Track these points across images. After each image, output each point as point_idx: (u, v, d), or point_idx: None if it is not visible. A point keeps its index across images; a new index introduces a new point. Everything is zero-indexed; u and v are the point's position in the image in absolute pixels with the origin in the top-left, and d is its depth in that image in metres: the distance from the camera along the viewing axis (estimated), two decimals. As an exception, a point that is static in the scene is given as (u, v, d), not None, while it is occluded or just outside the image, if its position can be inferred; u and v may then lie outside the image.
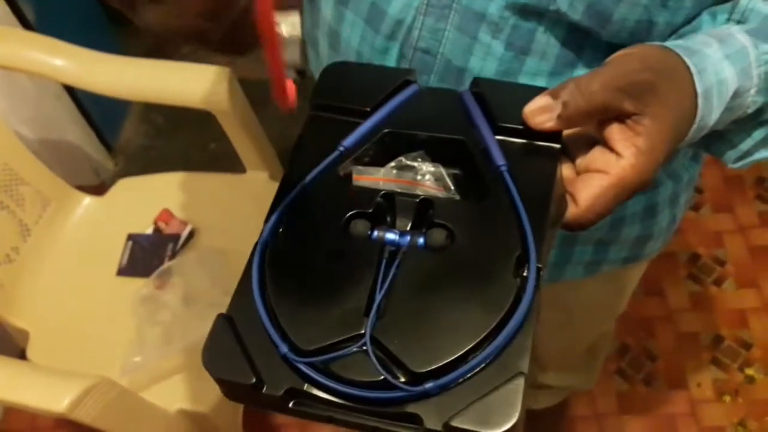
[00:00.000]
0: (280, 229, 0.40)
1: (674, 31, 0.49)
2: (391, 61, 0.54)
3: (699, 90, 0.43)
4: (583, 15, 0.47)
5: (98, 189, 1.41)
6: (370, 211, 0.40)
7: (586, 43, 0.50)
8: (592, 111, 0.41)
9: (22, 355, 1.09)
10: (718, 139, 0.51)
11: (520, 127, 0.42)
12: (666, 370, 1.43)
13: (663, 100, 0.41)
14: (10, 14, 1.39)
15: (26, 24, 1.43)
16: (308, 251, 0.39)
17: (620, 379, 1.42)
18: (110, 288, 1.13)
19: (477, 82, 0.45)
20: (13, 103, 1.46)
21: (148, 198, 1.22)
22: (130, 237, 1.18)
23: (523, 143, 0.42)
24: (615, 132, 0.41)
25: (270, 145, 1.22)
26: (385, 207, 0.41)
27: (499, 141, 0.42)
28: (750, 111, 0.47)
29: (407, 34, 0.52)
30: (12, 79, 1.41)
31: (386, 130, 0.43)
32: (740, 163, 0.52)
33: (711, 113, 0.44)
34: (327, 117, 0.45)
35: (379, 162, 0.44)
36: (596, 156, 0.42)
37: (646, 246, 0.71)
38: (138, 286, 1.09)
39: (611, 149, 0.41)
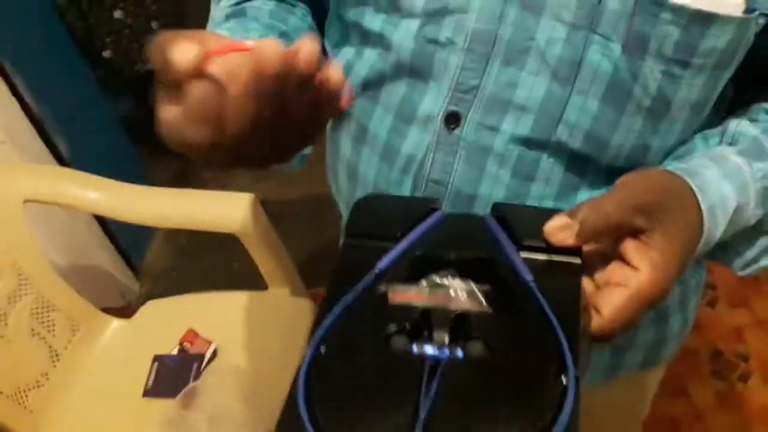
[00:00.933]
0: (323, 348, 0.41)
1: (668, 153, 0.54)
2: (405, 192, 0.58)
3: (704, 207, 0.47)
4: (582, 143, 0.52)
5: (124, 310, 1.45)
6: (409, 327, 0.42)
7: (588, 167, 0.54)
8: (607, 228, 0.44)
9: (49, 482, 1.10)
10: (724, 249, 0.55)
11: (542, 245, 0.45)
12: (700, 474, 1.39)
13: (672, 217, 0.45)
14: (45, 150, 1.49)
15: (60, 158, 1.53)
16: (351, 368, 0.41)
17: (653, 485, 1.38)
18: (137, 409, 1.14)
19: (497, 207, 0.49)
20: (46, 231, 1.53)
21: (174, 319, 1.26)
22: (156, 358, 1.21)
23: (546, 260, 0.45)
24: (630, 248, 0.44)
25: (291, 263, 1.26)
26: (422, 323, 0.42)
27: (524, 258, 0.45)
28: (752, 223, 0.51)
29: (419, 168, 0.56)
30: (45, 208, 1.49)
31: (417, 252, 0.46)
32: (748, 270, 0.55)
33: (717, 228, 0.48)
34: (360, 244, 0.48)
35: (412, 283, 0.46)
36: (614, 270, 0.45)
37: (661, 349, 0.73)
38: (164, 406, 1.10)
39: (628, 263, 0.44)
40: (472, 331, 0.41)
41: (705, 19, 0.46)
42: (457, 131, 0.54)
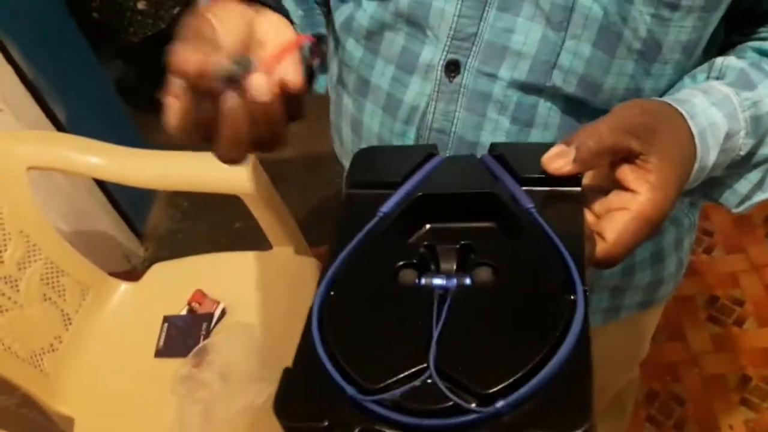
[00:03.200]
0: (334, 287, 0.43)
1: (660, 96, 0.55)
2: (408, 142, 0.60)
3: (695, 132, 0.48)
4: (576, 88, 0.53)
5: (130, 274, 1.47)
6: (416, 261, 0.43)
7: (584, 112, 0.55)
8: (602, 151, 0.44)
9: (67, 440, 1.13)
10: (718, 186, 0.56)
11: (542, 176, 0.46)
12: (696, 414, 1.43)
13: (665, 140, 0.45)
14: (42, 116, 1.49)
15: (57, 124, 1.53)
16: (362, 303, 0.42)
17: (651, 426, 1.42)
18: (149, 370, 1.17)
19: (494, 146, 0.49)
20: (48, 198, 1.54)
21: (181, 280, 1.27)
22: (166, 319, 1.23)
23: (547, 190, 0.46)
24: (627, 173, 0.45)
25: (293, 221, 1.28)
26: (428, 256, 0.44)
27: (525, 191, 0.45)
28: (742, 153, 0.52)
29: (422, 118, 0.58)
30: (47, 175, 1.50)
31: (420, 194, 0.47)
32: (742, 207, 0.57)
33: (709, 153, 0.49)
34: (362, 194, 0.48)
35: (417, 226, 0.47)
36: (614, 198, 0.46)
37: (658, 290, 0.75)
38: (176, 366, 1.13)
39: (627, 189, 0.45)
40: (478, 259, 0.42)
41: None
42: (457, 79, 0.55)
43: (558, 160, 0.45)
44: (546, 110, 0.55)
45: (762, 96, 0.52)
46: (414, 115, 0.58)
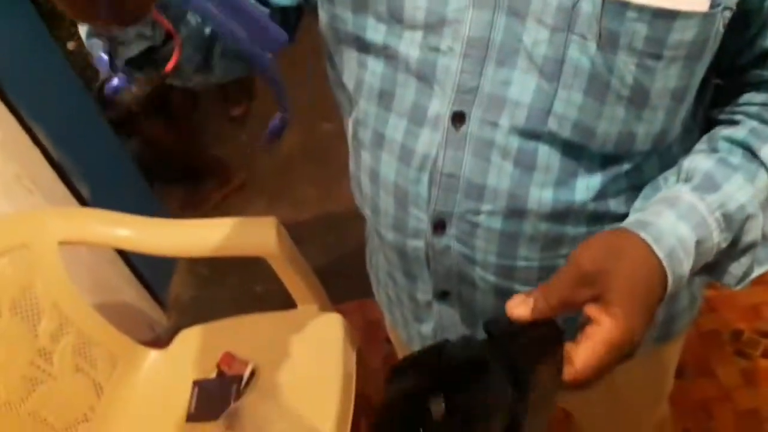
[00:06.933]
0: None
1: (656, 140, 0.58)
2: (422, 187, 0.63)
3: (661, 255, 0.52)
4: (571, 133, 0.57)
5: (154, 343, 1.48)
6: None
7: (582, 154, 0.59)
8: (556, 308, 0.50)
9: None
10: (715, 269, 0.60)
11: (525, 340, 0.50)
12: (733, 451, 1.41)
13: (621, 275, 0.50)
14: (68, 194, 1.54)
15: (82, 200, 1.57)
16: None
17: (689, 465, 1.41)
18: (182, 435, 1.18)
19: (489, 322, 0.52)
20: (73, 272, 1.57)
21: (209, 344, 1.29)
22: (196, 383, 1.24)
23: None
24: (591, 309, 0.50)
25: (317, 280, 1.30)
26: None
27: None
28: (724, 245, 0.56)
29: (434, 164, 0.62)
30: (71, 250, 1.53)
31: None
32: (741, 284, 0.60)
33: (682, 265, 0.53)
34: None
35: None
36: (587, 329, 0.51)
37: (674, 324, 0.77)
38: (208, 430, 1.13)
39: (593, 322, 0.50)
40: None
41: (668, 16, 0.50)
42: (463, 128, 0.59)
43: (518, 310, 0.51)
44: (546, 154, 0.58)
45: (728, 194, 0.56)
46: (426, 163, 0.62)
